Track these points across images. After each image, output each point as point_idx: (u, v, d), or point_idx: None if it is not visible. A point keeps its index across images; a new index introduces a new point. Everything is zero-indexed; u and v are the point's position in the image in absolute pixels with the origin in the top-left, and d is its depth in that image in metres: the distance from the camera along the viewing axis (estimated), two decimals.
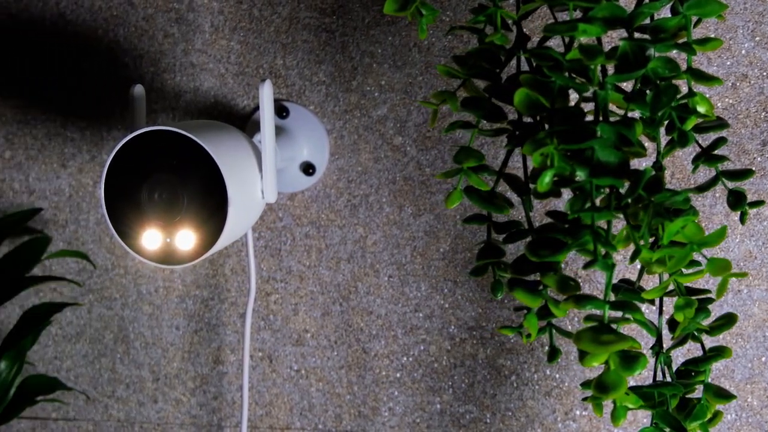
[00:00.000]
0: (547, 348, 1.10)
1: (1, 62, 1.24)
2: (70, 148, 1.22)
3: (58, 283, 1.26)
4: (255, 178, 0.93)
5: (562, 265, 1.00)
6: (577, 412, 1.11)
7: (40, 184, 1.24)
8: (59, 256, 1.23)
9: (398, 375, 1.15)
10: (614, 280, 0.69)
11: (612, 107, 0.69)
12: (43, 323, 1.13)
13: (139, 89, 0.98)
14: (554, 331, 0.77)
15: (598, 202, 0.63)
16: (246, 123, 1.15)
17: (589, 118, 0.67)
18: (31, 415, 1.30)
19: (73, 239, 1.24)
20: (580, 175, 0.62)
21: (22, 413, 1.13)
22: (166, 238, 0.89)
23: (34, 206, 1.24)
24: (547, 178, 0.62)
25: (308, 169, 1.13)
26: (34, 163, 1.24)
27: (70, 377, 1.28)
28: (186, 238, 0.88)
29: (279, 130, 1.11)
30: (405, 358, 1.15)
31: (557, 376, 1.10)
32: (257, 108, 1.15)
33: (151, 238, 0.89)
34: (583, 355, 0.63)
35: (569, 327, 1.09)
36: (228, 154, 0.88)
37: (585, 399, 0.72)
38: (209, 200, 0.87)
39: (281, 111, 1.12)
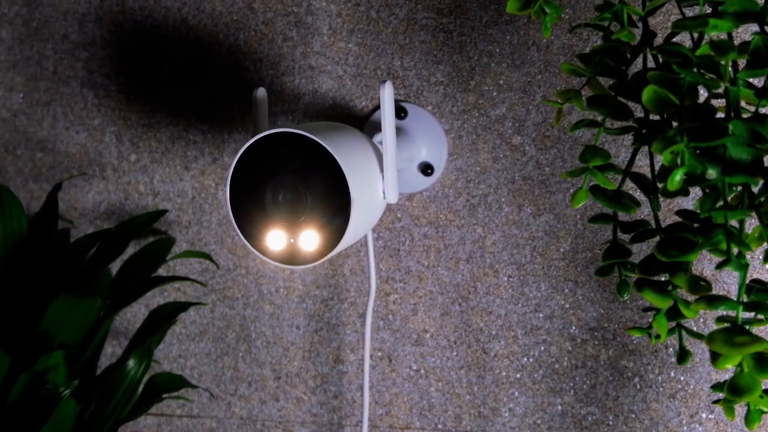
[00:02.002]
0: (671, 349, 1.08)
1: (126, 67, 1.27)
2: (193, 151, 1.25)
3: (182, 283, 1.29)
4: (376, 179, 0.93)
5: None
6: (704, 415, 1.08)
7: (164, 187, 1.27)
8: (183, 257, 1.25)
9: (518, 375, 1.15)
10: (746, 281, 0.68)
11: (742, 103, 0.67)
12: (168, 322, 1.15)
13: (261, 92, 1.00)
14: (684, 332, 0.75)
15: (729, 200, 0.62)
16: (364, 124, 1.16)
17: (720, 115, 0.66)
18: (156, 412, 1.33)
19: (196, 240, 1.27)
20: (712, 173, 0.61)
21: (149, 410, 1.16)
22: (290, 238, 0.90)
23: (158, 208, 1.28)
24: (677, 176, 0.61)
25: (427, 169, 1.13)
26: (158, 166, 1.27)
27: (194, 375, 1.31)
28: (310, 239, 0.89)
29: (397, 131, 1.12)
30: (525, 359, 1.14)
31: (682, 378, 1.08)
32: (375, 109, 1.15)
33: (275, 238, 0.90)
34: (715, 357, 0.61)
35: (695, 328, 1.07)
36: (350, 155, 0.89)
37: (716, 402, 0.71)
38: (332, 201, 0.88)
39: (399, 111, 1.13)
